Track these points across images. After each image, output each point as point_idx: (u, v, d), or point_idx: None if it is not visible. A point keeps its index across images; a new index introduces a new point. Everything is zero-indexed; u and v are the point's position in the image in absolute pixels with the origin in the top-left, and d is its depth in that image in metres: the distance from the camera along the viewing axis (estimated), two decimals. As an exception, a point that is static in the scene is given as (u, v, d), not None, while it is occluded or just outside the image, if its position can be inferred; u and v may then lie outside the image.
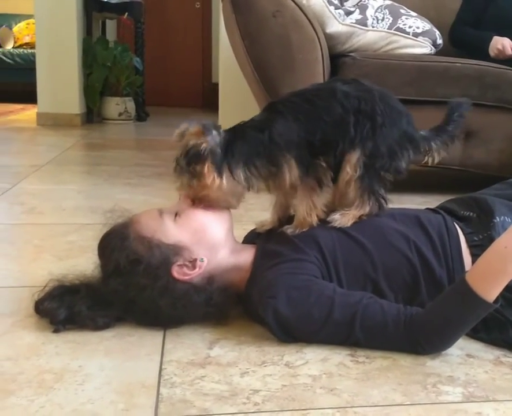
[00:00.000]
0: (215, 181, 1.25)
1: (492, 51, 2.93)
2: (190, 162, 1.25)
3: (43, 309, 1.28)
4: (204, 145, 1.24)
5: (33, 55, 5.83)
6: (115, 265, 1.25)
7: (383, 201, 1.36)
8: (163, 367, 1.13)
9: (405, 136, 1.34)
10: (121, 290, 1.25)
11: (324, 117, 1.30)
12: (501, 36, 2.93)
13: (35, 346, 1.19)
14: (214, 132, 1.26)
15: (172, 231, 1.29)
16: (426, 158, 1.40)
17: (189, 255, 1.28)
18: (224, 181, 1.26)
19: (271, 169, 1.29)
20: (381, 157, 1.31)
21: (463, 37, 3.13)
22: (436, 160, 1.40)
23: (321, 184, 1.31)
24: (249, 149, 1.28)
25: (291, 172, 1.28)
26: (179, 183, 1.30)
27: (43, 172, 3.06)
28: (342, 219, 1.34)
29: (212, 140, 1.25)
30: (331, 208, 1.36)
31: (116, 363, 1.14)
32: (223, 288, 1.29)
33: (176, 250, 1.27)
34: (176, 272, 1.26)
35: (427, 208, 1.50)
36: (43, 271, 1.49)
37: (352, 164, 1.31)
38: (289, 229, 1.35)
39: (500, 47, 2.90)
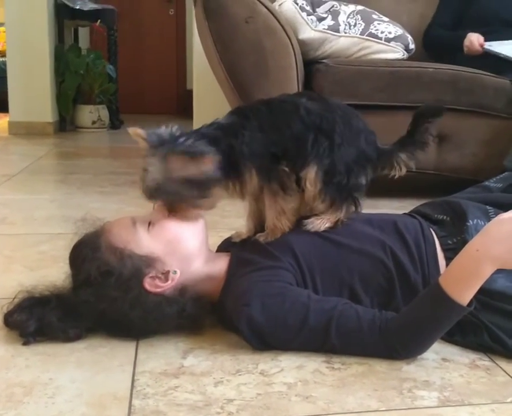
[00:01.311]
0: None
1: (465, 47, 2.98)
2: (206, 187, 1.25)
3: (12, 322, 1.26)
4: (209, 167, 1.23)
5: (4, 63, 5.74)
6: (86, 276, 1.23)
7: (357, 202, 1.35)
8: (135, 378, 1.11)
9: (362, 155, 1.34)
10: (92, 301, 1.22)
11: (285, 130, 1.30)
12: (484, 36, 2.96)
13: (5, 359, 1.17)
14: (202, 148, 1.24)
15: (145, 242, 1.27)
16: (392, 170, 1.39)
17: (161, 267, 1.26)
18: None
19: (234, 176, 1.29)
20: (339, 173, 1.31)
21: (439, 40, 3.16)
22: (403, 172, 1.39)
23: (284, 188, 1.30)
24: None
25: (250, 180, 1.28)
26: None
27: (14, 182, 3.01)
28: (317, 222, 1.33)
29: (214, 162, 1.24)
30: (304, 214, 1.35)
31: (87, 375, 1.12)
32: (196, 298, 1.27)
33: (149, 261, 1.25)
34: (148, 284, 1.24)
35: (404, 213, 1.51)
36: (13, 282, 1.46)
37: (311, 181, 1.30)
38: (261, 237, 1.34)
39: (467, 42, 2.95)
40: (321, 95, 1.41)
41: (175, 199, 1.27)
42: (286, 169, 1.30)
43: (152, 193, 1.27)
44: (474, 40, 2.95)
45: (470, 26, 3.06)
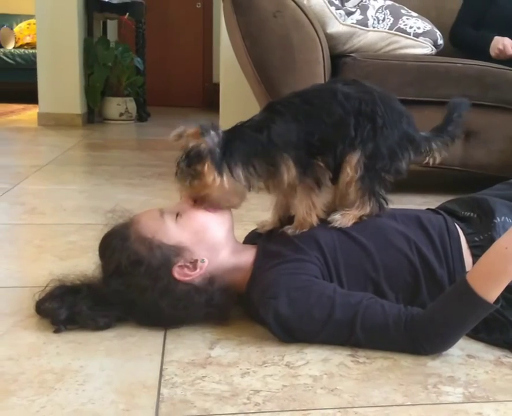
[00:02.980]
0: (216, 180, 1.25)
1: (493, 51, 2.92)
2: (190, 163, 1.25)
3: (44, 310, 1.28)
4: (203, 145, 1.24)
5: (34, 55, 5.83)
6: (116, 266, 1.25)
7: (383, 201, 1.36)
8: (164, 367, 1.13)
9: (405, 137, 1.34)
10: (122, 290, 1.25)
11: (324, 117, 1.30)
12: (502, 36, 2.92)
13: (36, 347, 1.19)
14: (212, 133, 1.25)
15: (173, 232, 1.29)
16: (427, 158, 1.40)
17: (190, 256, 1.28)
18: (225, 179, 1.26)
19: (270, 169, 1.29)
20: (382, 158, 1.31)
21: (463, 38, 3.12)
22: (437, 161, 1.40)
23: (319, 184, 1.31)
24: (247, 149, 1.28)
25: (289, 172, 1.28)
26: (180, 185, 1.30)
27: (44, 172, 3.06)
28: (343, 219, 1.34)
29: (211, 140, 1.25)
30: (331, 209, 1.36)
31: (117, 363, 1.14)
32: (224, 288, 1.29)
33: (177, 251, 1.27)
34: (177, 273, 1.26)
35: (428, 209, 1.50)
36: (44, 271, 1.49)
37: (352, 166, 1.30)
38: (289, 229, 1.35)
39: (501, 46, 2.89)
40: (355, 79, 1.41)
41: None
42: (322, 165, 1.30)
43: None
44: (508, 44, 2.89)
45: (490, 26, 3.02)
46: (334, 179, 1.34)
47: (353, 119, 1.30)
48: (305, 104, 1.32)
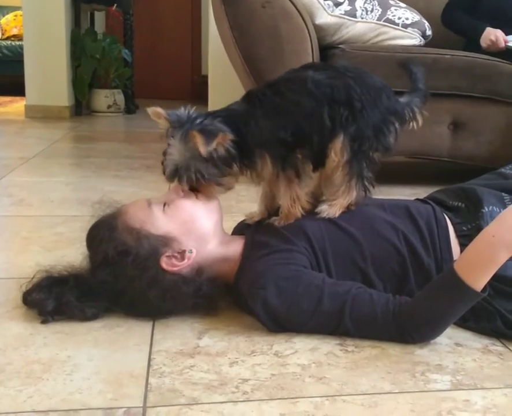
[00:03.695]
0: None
1: (484, 42, 2.91)
2: (224, 164, 1.27)
3: (31, 300, 1.28)
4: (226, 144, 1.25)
5: (21, 47, 5.77)
6: (104, 256, 1.25)
7: (370, 186, 1.35)
8: (152, 357, 1.13)
9: (388, 111, 1.33)
10: (110, 281, 1.24)
11: (294, 111, 1.28)
12: (494, 28, 2.92)
13: (23, 337, 1.19)
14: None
15: (161, 222, 1.28)
16: (411, 123, 1.39)
17: (178, 246, 1.27)
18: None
19: (248, 163, 1.30)
20: (368, 138, 1.30)
21: (455, 22, 3.10)
22: (420, 123, 1.40)
23: (299, 175, 1.30)
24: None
25: (266, 167, 1.29)
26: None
27: (31, 164, 3.04)
28: (330, 209, 1.33)
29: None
30: (318, 199, 1.36)
31: (105, 353, 1.14)
32: (212, 278, 1.28)
33: (165, 241, 1.26)
34: (165, 263, 1.26)
35: (416, 199, 1.51)
36: (31, 262, 1.48)
37: (337, 151, 1.29)
38: (276, 221, 1.34)
39: (493, 38, 2.88)
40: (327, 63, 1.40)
41: (196, 177, 1.27)
42: (300, 156, 1.30)
43: (174, 172, 1.27)
44: (500, 36, 2.88)
45: (483, 17, 3.01)
46: (319, 167, 1.33)
47: (327, 107, 1.28)
48: (276, 96, 1.30)
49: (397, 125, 1.35)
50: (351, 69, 1.35)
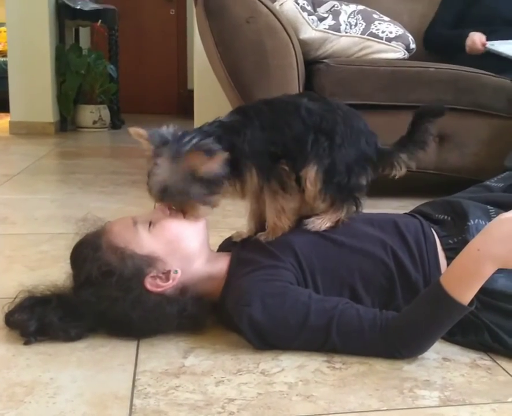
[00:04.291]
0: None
1: (467, 47, 2.98)
2: (215, 185, 1.26)
3: (13, 321, 1.26)
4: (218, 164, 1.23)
5: (5, 63, 5.74)
6: (87, 276, 1.23)
7: (358, 202, 1.35)
8: (136, 377, 1.11)
9: (363, 156, 1.34)
10: (93, 301, 1.22)
11: (286, 130, 1.30)
12: (485, 35, 2.96)
13: (5, 359, 1.17)
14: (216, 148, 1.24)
15: (146, 242, 1.27)
16: (393, 171, 1.39)
17: (162, 267, 1.26)
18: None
19: (235, 173, 1.29)
20: (339, 173, 1.31)
21: (439, 39, 3.16)
22: (403, 172, 1.38)
23: (284, 187, 1.30)
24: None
25: (252, 179, 1.28)
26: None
27: (15, 181, 3.01)
28: (318, 221, 1.33)
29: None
30: (305, 213, 1.35)
31: (88, 374, 1.12)
32: (197, 297, 1.27)
33: (149, 261, 1.25)
34: (149, 284, 1.24)
35: (405, 213, 1.50)
36: (14, 282, 1.46)
37: (311, 180, 1.30)
38: (262, 236, 1.34)
39: (469, 42, 2.95)
40: (322, 95, 1.41)
41: (184, 199, 1.26)
42: (286, 168, 1.29)
43: (161, 194, 1.26)
44: (477, 39, 2.94)
45: (472, 25, 3.06)
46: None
47: (312, 135, 1.30)
48: (271, 113, 1.32)
49: (368, 170, 1.35)
50: (342, 108, 1.36)
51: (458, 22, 3.17)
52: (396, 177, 1.38)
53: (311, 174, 1.30)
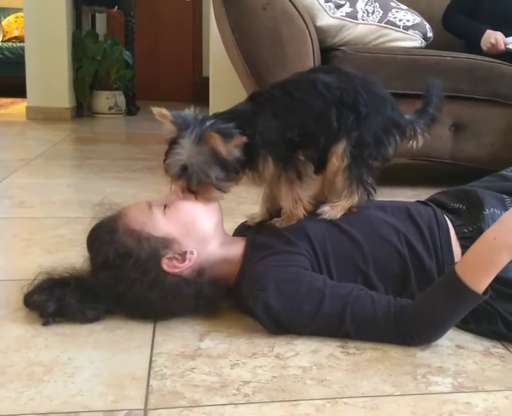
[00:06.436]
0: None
1: (485, 45, 2.90)
2: (233, 168, 1.27)
3: (32, 302, 1.28)
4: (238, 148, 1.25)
5: (22, 48, 5.77)
6: (105, 259, 1.24)
7: (372, 190, 1.36)
8: (153, 359, 1.12)
9: (390, 122, 1.34)
10: (111, 283, 1.24)
11: (304, 110, 1.29)
12: (494, 30, 2.91)
13: (24, 339, 1.19)
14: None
15: (161, 224, 1.28)
16: (411, 141, 1.40)
17: (178, 248, 1.27)
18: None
19: (250, 164, 1.30)
20: (368, 146, 1.31)
21: (455, 24, 3.10)
22: (420, 144, 1.40)
23: (300, 176, 1.30)
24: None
25: (268, 168, 1.29)
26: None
27: (32, 166, 3.04)
28: (332, 211, 1.34)
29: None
30: (320, 201, 1.36)
31: (106, 355, 1.14)
32: (214, 280, 1.28)
33: (166, 243, 1.26)
34: (166, 265, 1.26)
35: (417, 201, 1.51)
36: (32, 264, 1.48)
37: (338, 155, 1.30)
38: (277, 222, 1.35)
39: (493, 41, 2.87)
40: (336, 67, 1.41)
41: (201, 179, 1.27)
42: (302, 158, 1.30)
43: (180, 172, 1.27)
44: (500, 39, 2.87)
45: (483, 20, 3.01)
46: (321, 170, 1.33)
47: (335, 110, 1.29)
48: (285, 96, 1.31)
49: (397, 137, 1.36)
50: (359, 76, 1.36)
51: (472, 11, 3.10)
52: (414, 147, 1.40)
53: (339, 150, 1.30)
